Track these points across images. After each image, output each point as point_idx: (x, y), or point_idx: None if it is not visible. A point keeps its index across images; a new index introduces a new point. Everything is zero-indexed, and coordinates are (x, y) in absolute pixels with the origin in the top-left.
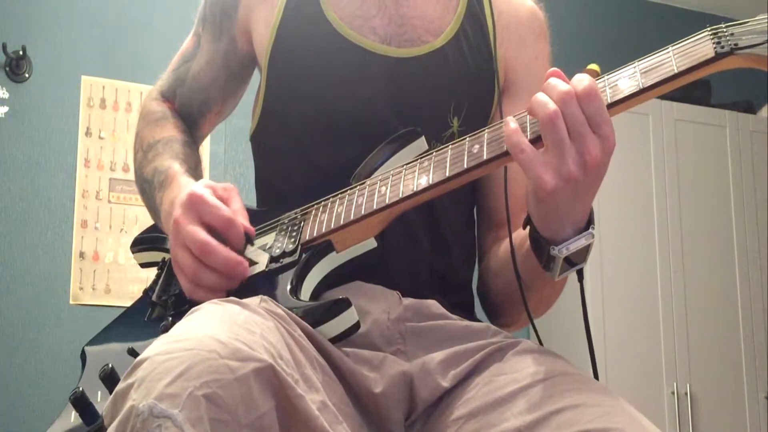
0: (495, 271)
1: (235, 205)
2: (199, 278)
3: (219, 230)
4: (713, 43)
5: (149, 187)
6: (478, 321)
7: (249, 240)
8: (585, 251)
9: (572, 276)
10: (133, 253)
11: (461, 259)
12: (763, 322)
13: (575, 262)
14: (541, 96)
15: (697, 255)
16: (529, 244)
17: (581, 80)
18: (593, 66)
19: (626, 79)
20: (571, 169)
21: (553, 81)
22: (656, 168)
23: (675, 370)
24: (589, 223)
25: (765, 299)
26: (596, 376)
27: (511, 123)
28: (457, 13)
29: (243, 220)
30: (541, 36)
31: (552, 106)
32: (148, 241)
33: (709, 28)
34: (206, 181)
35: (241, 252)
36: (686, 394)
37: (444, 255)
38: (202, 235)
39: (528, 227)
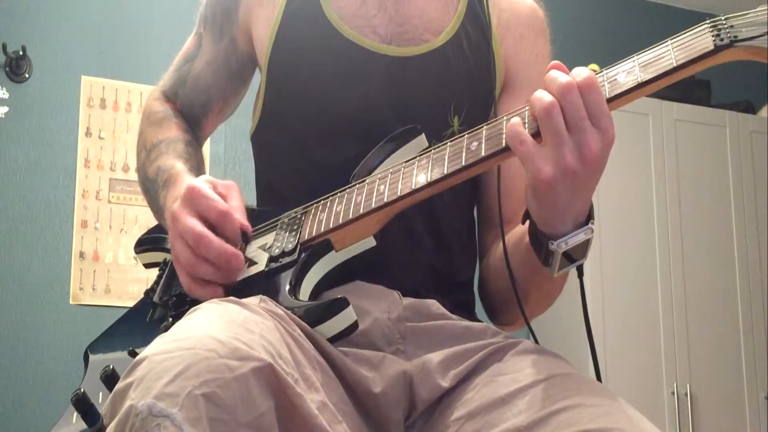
0: (493, 269)
1: (234, 202)
2: (195, 270)
3: (214, 223)
4: (712, 35)
5: (153, 187)
6: (479, 321)
7: (245, 238)
8: (584, 246)
9: (572, 274)
10: (136, 253)
11: (462, 259)
12: (763, 322)
13: (575, 257)
14: (539, 91)
15: (697, 255)
16: (528, 239)
17: (580, 72)
18: (593, 66)
19: (625, 74)
20: (570, 162)
21: (554, 73)
22: (656, 168)
23: (675, 370)
24: (589, 217)
25: (765, 299)
26: (597, 372)
27: (513, 117)
28: (457, 12)
29: (240, 216)
30: (540, 34)
31: (548, 98)
32: (150, 242)
33: (708, 21)
34: (208, 177)
35: (237, 246)
36: (686, 394)
37: (445, 255)
38: (198, 227)
39: (527, 222)
